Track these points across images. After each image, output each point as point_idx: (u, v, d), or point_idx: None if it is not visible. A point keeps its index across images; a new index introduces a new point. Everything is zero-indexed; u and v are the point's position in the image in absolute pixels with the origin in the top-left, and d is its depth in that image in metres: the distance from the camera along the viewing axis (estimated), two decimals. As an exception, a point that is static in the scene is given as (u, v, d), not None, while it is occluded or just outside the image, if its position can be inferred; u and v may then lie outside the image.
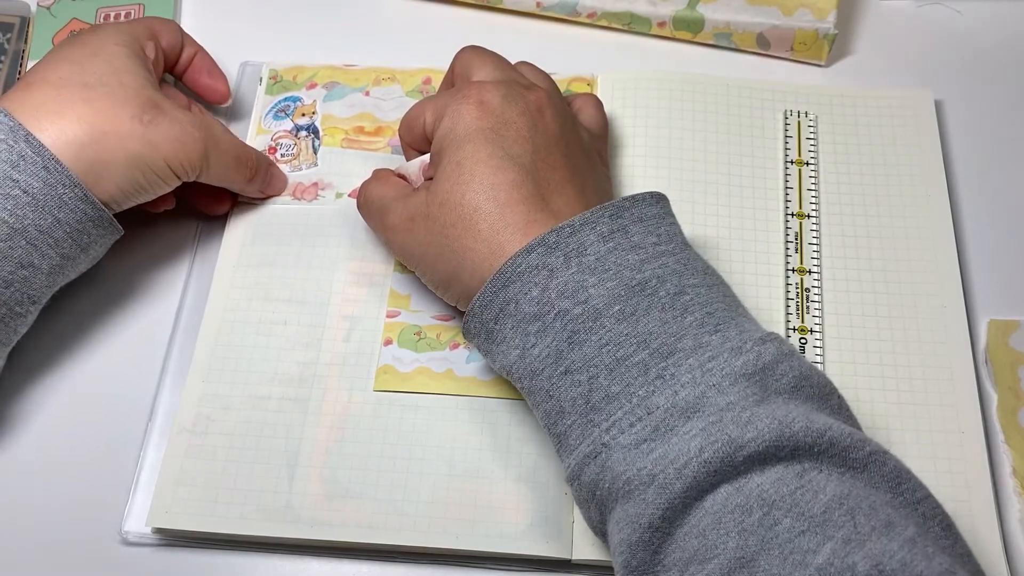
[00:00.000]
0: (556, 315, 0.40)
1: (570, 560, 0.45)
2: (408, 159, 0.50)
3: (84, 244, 0.46)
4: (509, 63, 0.49)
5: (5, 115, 0.42)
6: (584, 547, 0.44)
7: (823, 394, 0.40)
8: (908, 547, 0.34)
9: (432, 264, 0.44)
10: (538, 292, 0.40)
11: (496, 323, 0.41)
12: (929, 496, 0.37)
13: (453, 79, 0.50)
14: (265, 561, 0.46)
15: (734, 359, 0.38)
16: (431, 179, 0.45)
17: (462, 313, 0.45)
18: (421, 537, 0.44)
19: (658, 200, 0.43)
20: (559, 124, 0.46)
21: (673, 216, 0.44)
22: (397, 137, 0.56)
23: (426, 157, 0.48)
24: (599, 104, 0.52)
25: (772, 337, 0.40)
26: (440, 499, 0.45)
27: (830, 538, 0.34)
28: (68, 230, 0.44)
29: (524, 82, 0.47)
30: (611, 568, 0.45)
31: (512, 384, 0.44)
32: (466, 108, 0.44)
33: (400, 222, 0.45)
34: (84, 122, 0.45)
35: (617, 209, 0.42)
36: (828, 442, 0.36)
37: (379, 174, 0.50)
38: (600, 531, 0.41)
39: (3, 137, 0.42)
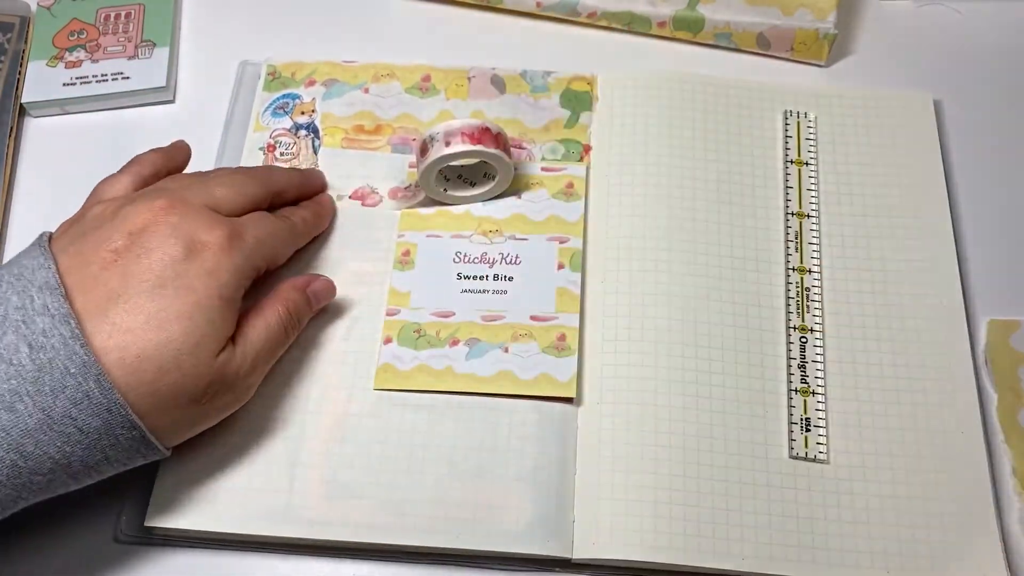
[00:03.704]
0: None
1: (570, 560, 0.45)
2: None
3: (128, 465, 0.43)
4: None
5: (84, 348, 0.39)
6: (585, 547, 0.44)
7: None
8: None
9: None
10: None
11: None
12: None
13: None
14: (264, 561, 0.46)
15: None
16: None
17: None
18: (421, 536, 0.44)
19: None
20: None
21: None
22: (397, 135, 0.56)
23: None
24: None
25: None
26: (440, 498, 0.45)
27: None
28: (116, 464, 0.41)
29: None
30: (612, 568, 0.45)
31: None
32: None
33: None
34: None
35: None
36: None
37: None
38: None
39: (74, 372, 0.38)
